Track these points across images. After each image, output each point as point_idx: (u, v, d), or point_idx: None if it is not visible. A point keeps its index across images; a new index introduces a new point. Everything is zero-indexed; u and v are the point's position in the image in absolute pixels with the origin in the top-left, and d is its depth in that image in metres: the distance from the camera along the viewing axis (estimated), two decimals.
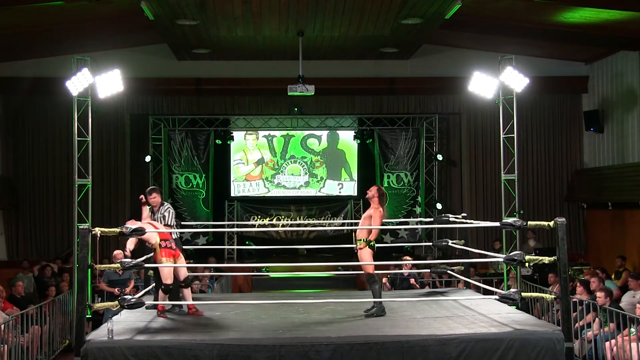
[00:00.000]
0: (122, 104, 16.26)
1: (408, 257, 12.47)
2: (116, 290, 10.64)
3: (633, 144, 14.84)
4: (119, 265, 7.25)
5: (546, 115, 17.28)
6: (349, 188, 18.09)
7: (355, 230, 16.93)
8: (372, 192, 8.44)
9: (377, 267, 8.69)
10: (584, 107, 16.95)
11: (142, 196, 8.59)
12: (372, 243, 8.21)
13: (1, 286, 10.27)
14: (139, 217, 8.52)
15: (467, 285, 10.17)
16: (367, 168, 18.01)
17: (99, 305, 7.63)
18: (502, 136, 12.32)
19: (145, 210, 8.55)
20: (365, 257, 8.24)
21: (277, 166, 18.05)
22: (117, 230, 7.22)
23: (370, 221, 8.27)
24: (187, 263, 11.88)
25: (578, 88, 17.00)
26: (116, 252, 11.24)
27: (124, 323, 7.53)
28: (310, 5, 12.32)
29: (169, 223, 8.39)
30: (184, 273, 8.20)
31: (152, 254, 8.22)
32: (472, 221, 9.97)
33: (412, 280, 11.75)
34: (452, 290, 10.74)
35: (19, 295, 11.33)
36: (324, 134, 18.09)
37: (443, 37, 15.54)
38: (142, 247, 9.87)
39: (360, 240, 8.27)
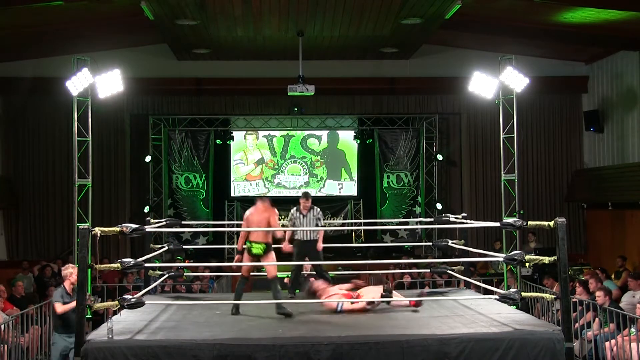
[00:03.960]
0: (122, 104, 16.25)
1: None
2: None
3: (633, 144, 14.84)
4: (119, 265, 7.22)
5: (546, 115, 17.28)
6: (349, 188, 18.07)
7: (354, 231, 17.14)
8: None
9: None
10: (584, 107, 16.95)
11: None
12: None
13: (1, 286, 10.27)
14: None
15: (467, 285, 10.17)
16: (367, 168, 18.00)
17: (99, 305, 7.62)
18: (502, 136, 12.33)
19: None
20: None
21: (277, 166, 18.04)
22: (117, 229, 7.21)
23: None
24: (187, 263, 11.92)
25: (578, 88, 17.01)
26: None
27: (124, 323, 7.51)
28: (310, 5, 12.32)
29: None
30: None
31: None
32: (472, 221, 9.95)
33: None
34: (452, 290, 10.72)
35: (19, 295, 11.34)
36: (324, 134, 18.07)
37: (443, 37, 15.54)
38: (142, 247, 9.90)
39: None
